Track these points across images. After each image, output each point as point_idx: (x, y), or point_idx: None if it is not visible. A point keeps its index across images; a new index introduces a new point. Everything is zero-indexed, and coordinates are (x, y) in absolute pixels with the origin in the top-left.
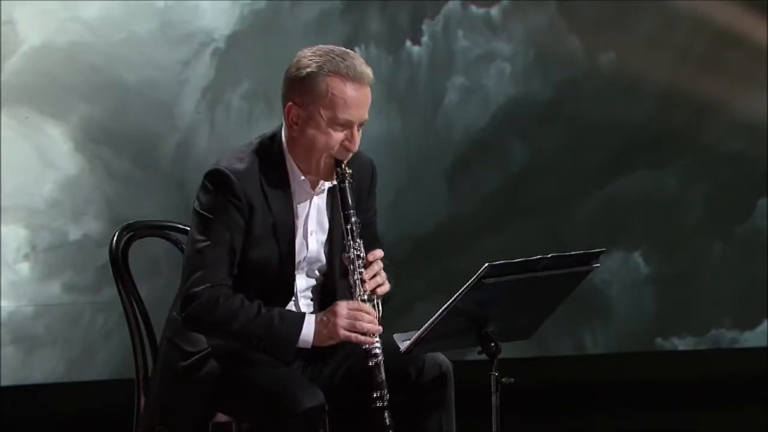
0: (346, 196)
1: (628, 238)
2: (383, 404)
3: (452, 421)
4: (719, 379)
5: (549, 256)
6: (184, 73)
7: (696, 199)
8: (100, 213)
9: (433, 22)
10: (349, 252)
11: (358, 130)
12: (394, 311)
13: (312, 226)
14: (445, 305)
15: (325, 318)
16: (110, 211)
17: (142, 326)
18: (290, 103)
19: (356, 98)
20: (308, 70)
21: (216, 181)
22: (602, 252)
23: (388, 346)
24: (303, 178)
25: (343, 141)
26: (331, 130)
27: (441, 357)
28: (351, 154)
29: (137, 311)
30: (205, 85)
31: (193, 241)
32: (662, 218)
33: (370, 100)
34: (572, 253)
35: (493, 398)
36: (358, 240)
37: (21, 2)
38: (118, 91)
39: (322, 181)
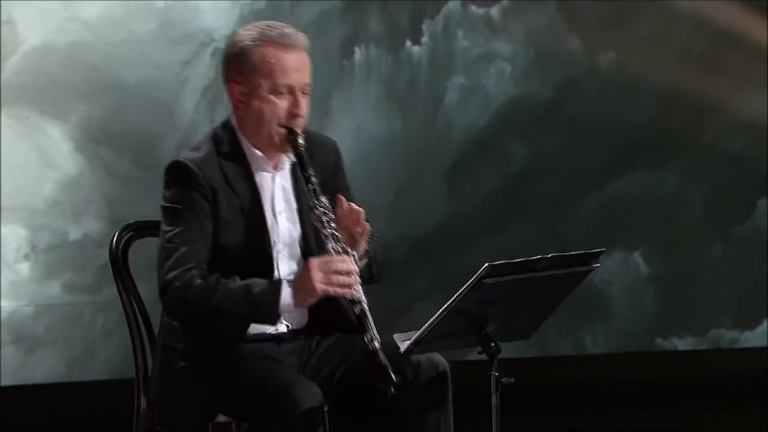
0: (303, 160)
1: (628, 238)
2: (378, 346)
3: (450, 422)
4: (719, 379)
5: (549, 256)
6: (184, 73)
7: (696, 199)
8: (100, 213)
9: (433, 22)
10: (315, 210)
11: (304, 96)
12: (394, 311)
13: (279, 205)
14: (445, 305)
15: (301, 278)
16: (110, 211)
17: (142, 326)
18: (232, 83)
19: (292, 62)
20: (241, 44)
21: (176, 172)
22: (602, 252)
23: (388, 345)
24: (261, 155)
25: (289, 108)
26: (274, 98)
27: (438, 357)
28: (301, 120)
29: (137, 311)
30: (205, 85)
31: (163, 234)
32: (662, 218)
33: (308, 65)
34: (572, 253)
35: (493, 398)
36: (322, 198)
37: (21, 2)
38: (118, 91)
39: (282, 159)
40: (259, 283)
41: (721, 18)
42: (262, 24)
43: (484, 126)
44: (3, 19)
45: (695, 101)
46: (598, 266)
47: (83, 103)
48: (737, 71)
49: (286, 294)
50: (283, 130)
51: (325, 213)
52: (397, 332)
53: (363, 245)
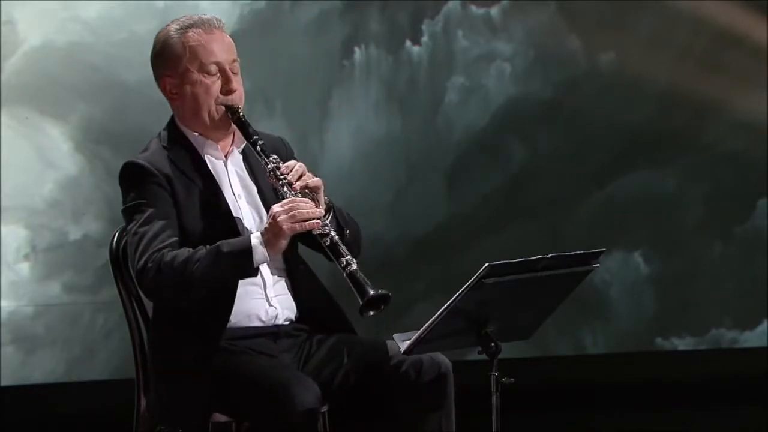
0: (246, 127)
1: (628, 238)
2: (353, 267)
3: (452, 421)
4: (719, 379)
5: (549, 256)
6: None
7: (696, 199)
8: (100, 213)
9: (433, 22)
10: (266, 167)
11: (234, 75)
12: (395, 311)
13: (237, 189)
14: (445, 305)
15: (266, 226)
16: (110, 211)
17: (142, 326)
18: (162, 78)
19: (213, 41)
20: (162, 39)
21: (127, 172)
22: (602, 252)
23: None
24: (208, 141)
25: (221, 85)
26: (204, 79)
27: (440, 357)
28: (236, 96)
29: (137, 311)
30: None
31: (128, 232)
32: (662, 218)
33: (232, 44)
34: (572, 253)
35: (493, 398)
36: (272, 156)
37: (21, 2)
38: (118, 91)
39: (231, 147)
40: (228, 241)
41: (721, 18)
42: (178, 19)
43: (484, 126)
44: (3, 19)
45: (695, 101)
46: (598, 266)
47: (83, 103)
48: (737, 71)
49: (256, 242)
50: (221, 107)
51: (277, 167)
52: (397, 332)
53: (321, 197)
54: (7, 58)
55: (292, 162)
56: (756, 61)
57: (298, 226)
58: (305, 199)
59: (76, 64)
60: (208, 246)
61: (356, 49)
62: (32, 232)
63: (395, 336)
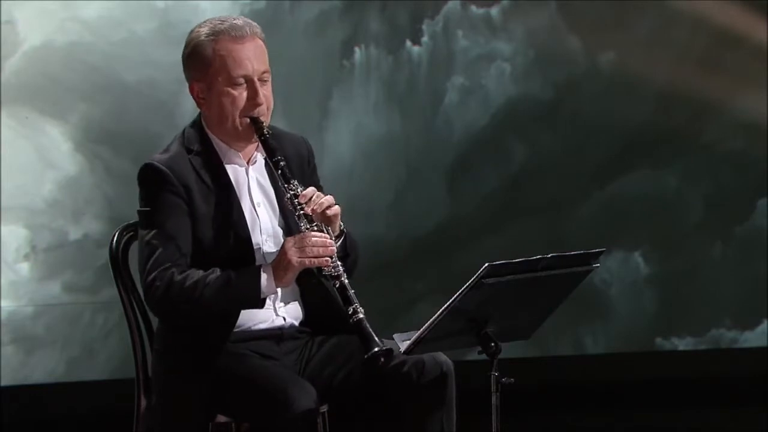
0: (270, 145)
1: (628, 238)
2: (360, 316)
3: (453, 421)
4: (719, 379)
5: (549, 256)
6: None
7: (696, 199)
8: (100, 213)
9: (433, 22)
10: (286, 194)
11: (263, 84)
12: (395, 311)
13: (257, 197)
14: (445, 305)
15: (277, 258)
16: (110, 211)
17: (142, 326)
18: (192, 82)
19: (244, 52)
20: (194, 43)
21: (146, 175)
22: (602, 252)
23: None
24: (231, 149)
25: (248, 98)
26: (231, 90)
27: (442, 357)
28: (262, 109)
29: (137, 311)
30: None
31: (141, 238)
32: (662, 218)
33: (264, 53)
34: (572, 253)
35: (493, 398)
36: (293, 181)
37: (21, 2)
38: (118, 91)
39: (254, 154)
40: (238, 272)
41: (721, 18)
42: (213, 19)
43: (484, 126)
44: (3, 19)
45: (695, 101)
46: (598, 266)
47: (83, 103)
48: (737, 71)
49: (264, 275)
50: (246, 120)
51: (296, 195)
52: (397, 332)
53: (337, 225)
54: (7, 58)
55: (310, 190)
56: (756, 61)
57: (307, 261)
58: (319, 234)
59: (76, 64)
60: (218, 270)
61: (356, 49)
62: (32, 232)
63: (395, 336)
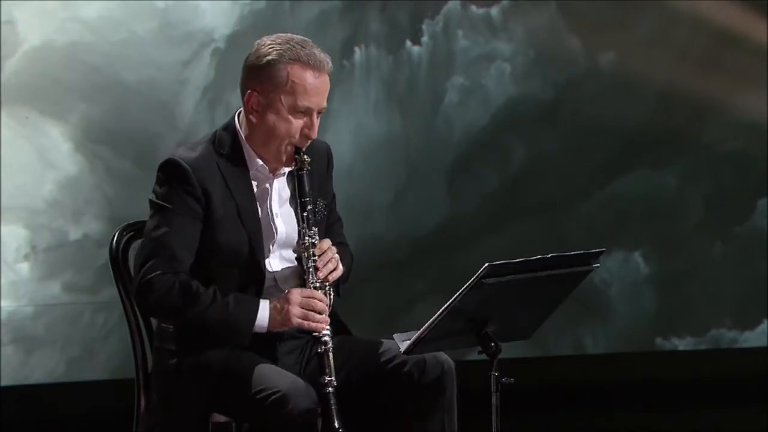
0: (303, 184)
1: (628, 238)
2: (331, 389)
3: (454, 421)
4: (719, 379)
5: (549, 256)
6: (184, 73)
7: (696, 199)
8: (100, 213)
9: (433, 22)
10: (303, 239)
11: (317, 118)
12: (394, 311)
13: (276, 208)
14: (445, 305)
15: (279, 305)
16: (110, 211)
17: (142, 326)
18: (250, 91)
19: (316, 85)
20: (268, 58)
21: (169, 171)
22: (602, 252)
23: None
24: (261, 163)
25: (302, 128)
26: (291, 117)
27: (443, 356)
28: (309, 142)
29: (137, 311)
30: (205, 85)
31: (148, 231)
32: (662, 218)
33: (328, 88)
34: (572, 253)
35: (493, 398)
36: (313, 228)
37: (21, 2)
38: (118, 91)
39: (282, 166)
40: (237, 301)
41: (721, 18)
42: (292, 40)
43: (484, 126)
44: (3, 19)
45: (695, 101)
46: (598, 266)
47: (83, 103)
48: (737, 71)
49: (262, 315)
50: (291, 148)
51: (312, 245)
52: (397, 332)
53: (338, 274)
54: (7, 58)
55: (327, 251)
56: (756, 61)
57: (305, 324)
58: (322, 297)
59: (76, 64)
60: (217, 291)
61: (356, 49)
62: (32, 232)
63: (395, 336)
